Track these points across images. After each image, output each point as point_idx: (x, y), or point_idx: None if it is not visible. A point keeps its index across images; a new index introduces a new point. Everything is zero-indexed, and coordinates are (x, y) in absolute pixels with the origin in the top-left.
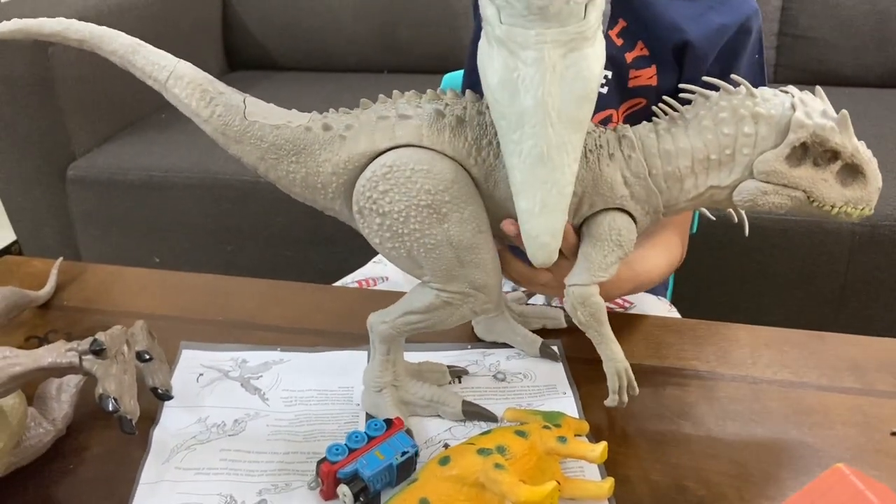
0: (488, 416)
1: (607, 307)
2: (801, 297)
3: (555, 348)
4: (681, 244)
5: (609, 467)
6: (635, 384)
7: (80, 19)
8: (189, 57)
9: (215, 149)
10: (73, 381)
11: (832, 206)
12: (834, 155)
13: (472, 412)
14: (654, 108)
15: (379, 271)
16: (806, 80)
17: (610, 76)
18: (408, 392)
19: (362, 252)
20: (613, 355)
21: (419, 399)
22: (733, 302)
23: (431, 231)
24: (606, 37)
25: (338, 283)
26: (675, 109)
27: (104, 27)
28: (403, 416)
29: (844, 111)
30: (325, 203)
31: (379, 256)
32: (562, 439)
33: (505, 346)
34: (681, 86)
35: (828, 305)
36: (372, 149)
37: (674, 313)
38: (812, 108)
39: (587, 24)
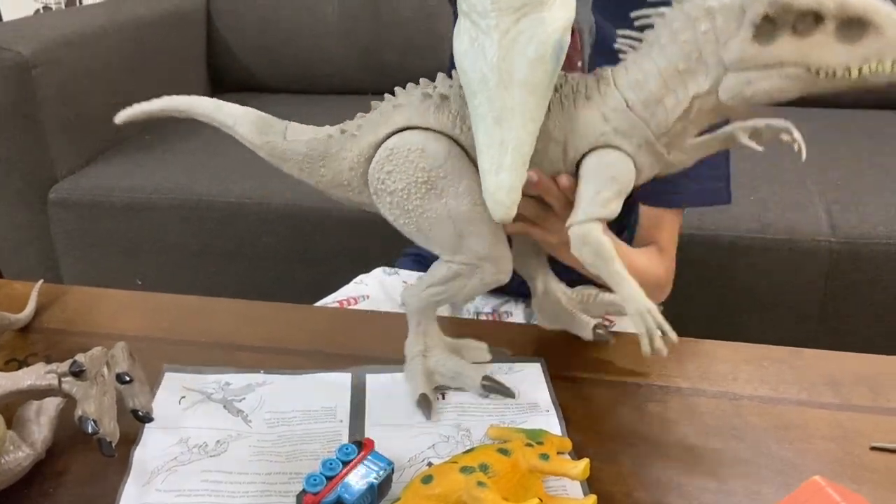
0: (507, 393)
1: None
2: (781, 314)
3: (602, 332)
4: (661, 264)
5: (591, 484)
6: (667, 326)
7: (65, 42)
8: (174, 79)
9: (199, 170)
10: (52, 404)
11: (847, 70)
12: (817, 16)
13: (492, 387)
14: (616, 45)
15: (360, 290)
16: (783, 102)
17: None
18: (437, 363)
19: (346, 272)
20: (631, 295)
21: (446, 370)
22: (713, 319)
23: (432, 206)
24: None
25: (319, 303)
26: (637, 39)
27: (214, 102)
28: (428, 386)
29: None
30: (356, 198)
31: (360, 276)
32: (544, 457)
33: (488, 362)
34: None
35: (807, 322)
36: (376, 139)
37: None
38: None
39: None
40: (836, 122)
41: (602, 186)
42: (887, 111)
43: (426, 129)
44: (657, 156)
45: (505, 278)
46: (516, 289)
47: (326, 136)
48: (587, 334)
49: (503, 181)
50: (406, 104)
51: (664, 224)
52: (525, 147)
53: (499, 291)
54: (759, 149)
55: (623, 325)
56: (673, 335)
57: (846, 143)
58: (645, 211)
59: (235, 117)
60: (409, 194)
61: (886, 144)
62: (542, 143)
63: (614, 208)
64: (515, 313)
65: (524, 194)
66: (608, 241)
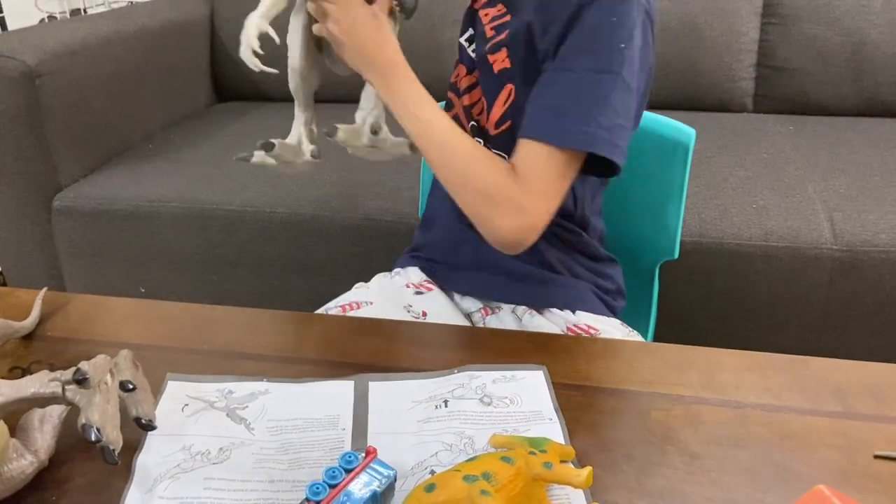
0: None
1: (569, 335)
2: (783, 322)
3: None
4: (511, 180)
5: (595, 493)
6: (253, 39)
7: (71, 50)
8: (178, 87)
9: (202, 179)
10: (55, 412)
11: None
12: None
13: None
14: None
15: (362, 296)
16: (785, 110)
17: (475, 67)
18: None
19: (347, 279)
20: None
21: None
22: (717, 328)
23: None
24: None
25: (321, 309)
26: None
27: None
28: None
29: None
30: None
31: (361, 283)
32: (547, 465)
33: (491, 369)
34: None
35: (809, 330)
36: None
37: (634, 336)
38: None
39: None
40: (838, 131)
41: None
42: (889, 119)
43: None
44: None
45: (302, 70)
46: (505, 268)
47: None
48: (407, 149)
49: None
50: None
51: (520, 153)
52: None
53: (486, 291)
54: None
55: (605, 331)
56: (252, 61)
57: (848, 151)
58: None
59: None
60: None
61: (888, 152)
62: None
63: None
64: (505, 308)
65: None
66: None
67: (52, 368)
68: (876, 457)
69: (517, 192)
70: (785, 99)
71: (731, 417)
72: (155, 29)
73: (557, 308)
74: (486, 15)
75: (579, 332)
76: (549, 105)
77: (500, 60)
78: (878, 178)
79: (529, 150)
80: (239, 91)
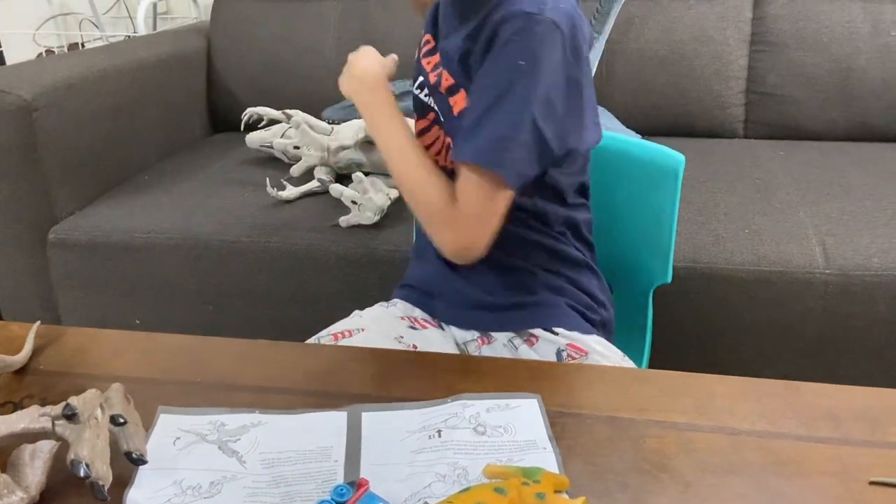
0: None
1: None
2: (777, 347)
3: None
4: (448, 202)
5: None
6: None
7: (67, 85)
8: (175, 119)
9: (196, 211)
10: (46, 448)
11: None
12: None
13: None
14: None
15: (355, 323)
16: (775, 136)
17: (436, 110)
18: None
19: (342, 309)
20: None
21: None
22: (710, 354)
23: None
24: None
25: (314, 337)
26: None
27: None
28: None
29: None
30: None
31: (356, 311)
32: (541, 496)
33: (485, 398)
34: None
35: (803, 355)
36: None
37: (627, 362)
38: None
39: None
40: (828, 155)
41: None
42: (879, 143)
43: None
44: None
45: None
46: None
47: None
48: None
49: None
50: None
51: (458, 176)
52: None
53: (470, 323)
54: None
55: (595, 355)
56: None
57: (839, 176)
58: None
59: None
60: None
61: (878, 176)
62: None
63: None
64: (499, 337)
65: None
66: None
67: (45, 403)
68: (871, 483)
69: (451, 217)
70: (775, 125)
71: (726, 444)
72: (151, 62)
73: (543, 329)
74: (427, 63)
75: (570, 355)
76: (466, 126)
77: (460, 101)
78: (869, 202)
79: (460, 174)
80: (234, 122)
